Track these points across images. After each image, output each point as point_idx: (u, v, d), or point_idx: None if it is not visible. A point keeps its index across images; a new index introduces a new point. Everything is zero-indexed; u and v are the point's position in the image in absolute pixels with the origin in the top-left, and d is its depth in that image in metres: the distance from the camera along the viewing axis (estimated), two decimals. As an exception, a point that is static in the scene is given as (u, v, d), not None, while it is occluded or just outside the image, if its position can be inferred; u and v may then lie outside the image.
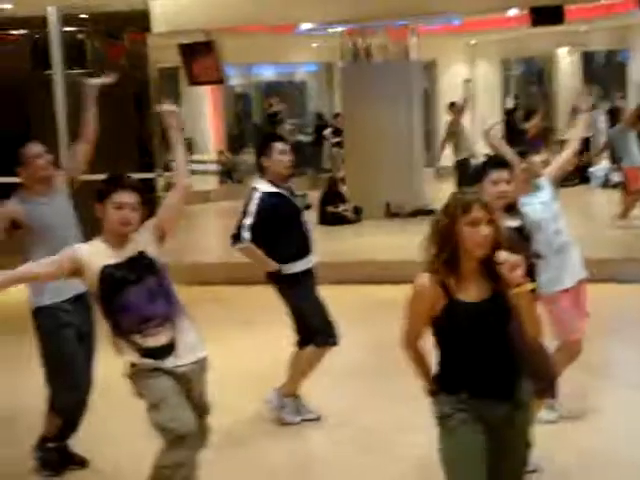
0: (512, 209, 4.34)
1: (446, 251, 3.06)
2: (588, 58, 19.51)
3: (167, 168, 17.16)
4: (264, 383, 5.69)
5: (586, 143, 14.82)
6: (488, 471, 3.14)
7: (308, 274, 5.35)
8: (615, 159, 12.24)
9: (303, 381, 5.43)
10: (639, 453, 4.89)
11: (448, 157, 13.53)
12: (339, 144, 15.31)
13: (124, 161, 11.80)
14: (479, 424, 3.11)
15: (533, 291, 3.23)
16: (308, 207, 13.05)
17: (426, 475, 4.39)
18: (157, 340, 3.71)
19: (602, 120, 15.76)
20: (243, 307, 8.58)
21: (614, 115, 11.67)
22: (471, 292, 3.09)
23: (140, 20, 11.05)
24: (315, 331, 5.29)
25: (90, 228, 3.95)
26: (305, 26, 13.57)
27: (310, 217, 11.93)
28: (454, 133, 12.88)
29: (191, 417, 3.73)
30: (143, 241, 3.79)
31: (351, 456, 4.99)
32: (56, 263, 3.72)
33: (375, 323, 7.26)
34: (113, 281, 3.69)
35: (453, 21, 14.87)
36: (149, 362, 3.71)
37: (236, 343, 7.38)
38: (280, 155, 5.28)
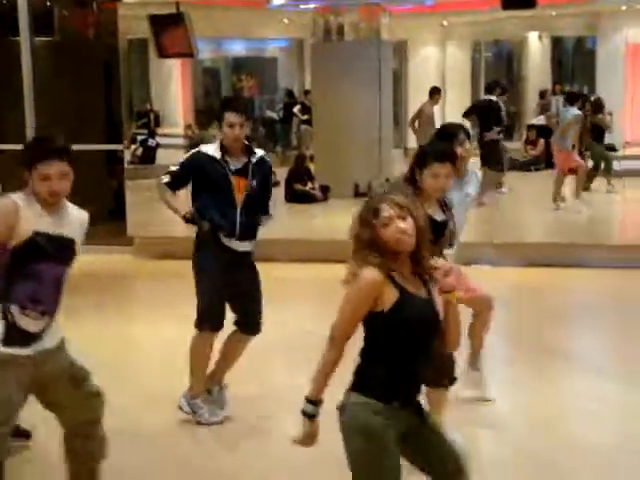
0: (442, 201, 4.36)
1: (386, 256, 3.02)
2: (558, 43, 19.59)
3: (134, 140, 17.09)
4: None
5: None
6: (429, 466, 3.17)
7: (230, 256, 5.01)
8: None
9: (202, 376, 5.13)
10: (597, 435, 4.97)
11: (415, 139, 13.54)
12: (308, 122, 15.26)
13: (91, 131, 11.69)
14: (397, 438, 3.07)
15: None
16: (276, 184, 13.03)
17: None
18: (31, 324, 3.57)
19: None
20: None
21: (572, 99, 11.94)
22: (414, 288, 3.07)
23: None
24: (200, 312, 5.03)
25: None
26: (277, 1, 13.49)
27: (278, 194, 12.02)
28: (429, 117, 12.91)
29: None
30: (76, 230, 3.67)
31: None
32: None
33: (337, 302, 7.30)
34: (38, 249, 3.52)
35: (425, 2, 14.85)
36: (5, 352, 3.55)
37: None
38: (228, 128, 4.93)
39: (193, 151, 5.13)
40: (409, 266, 3.09)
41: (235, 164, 5.00)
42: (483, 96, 12.38)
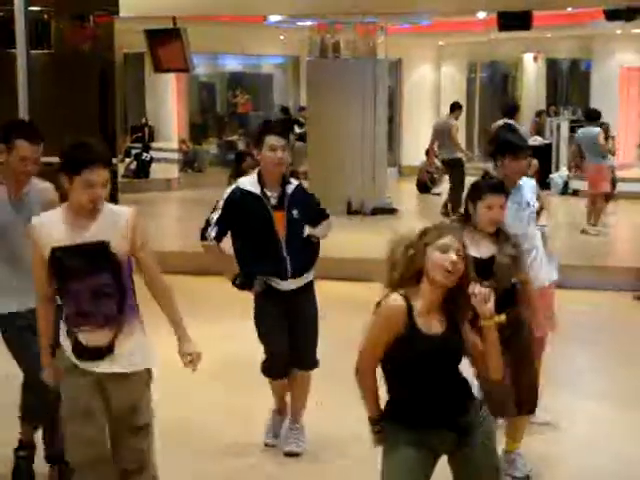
0: (496, 233, 4.32)
1: (412, 277, 3.05)
2: (553, 65, 19.71)
3: (128, 154, 17.09)
4: (217, 376, 5.66)
5: (548, 150, 14.97)
6: None
7: (276, 296, 4.77)
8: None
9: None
10: (591, 459, 4.95)
11: (410, 156, 13.60)
12: (302, 138, 15.31)
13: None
14: (423, 449, 3.10)
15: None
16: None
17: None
18: (94, 339, 3.44)
19: (565, 128, 16.01)
20: (202, 298, 8.52)
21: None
22: (429, 324, 3.07)
23: (108, 3, 10.94)
24: (263, 361, 4.91)
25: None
26: (274, 18, 13.54)
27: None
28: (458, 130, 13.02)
29: (99, 442, 3.48)
30: (110, 231, 3.45)
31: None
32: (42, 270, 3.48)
33: (330, 319, 7.27)
34: (60, 267, 3.42)
35: (422, 21, 14.92)
36: (76, 362, 3.48)
37: (193, 334, 7.32)
38: (269, 151, 4.65)
39: (232, 188, 4.77)
40: (438, 300, 3.08)
41: (273, 197, 4.72)
42: (501, 121, 12.02)
